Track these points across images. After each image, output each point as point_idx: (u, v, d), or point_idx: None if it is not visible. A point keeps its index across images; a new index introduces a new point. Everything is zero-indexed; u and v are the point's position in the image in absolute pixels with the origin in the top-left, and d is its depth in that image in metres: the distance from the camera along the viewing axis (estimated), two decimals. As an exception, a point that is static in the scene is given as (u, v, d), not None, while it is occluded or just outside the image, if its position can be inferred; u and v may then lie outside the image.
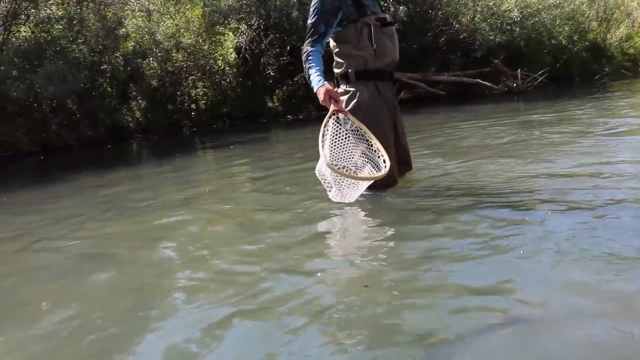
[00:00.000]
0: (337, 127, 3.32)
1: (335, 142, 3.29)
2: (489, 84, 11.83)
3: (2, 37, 10.29)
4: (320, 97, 3.28)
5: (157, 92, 11.26)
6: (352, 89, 3.47)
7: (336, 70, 3.56)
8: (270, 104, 11.41)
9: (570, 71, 14.02)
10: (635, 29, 16.82)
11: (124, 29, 10.72)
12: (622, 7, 17.44)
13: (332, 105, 3.29)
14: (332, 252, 2.78)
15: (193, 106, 11.31)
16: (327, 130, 3.29)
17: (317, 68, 3.31)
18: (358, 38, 3.39)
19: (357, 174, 3.22)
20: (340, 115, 3.34)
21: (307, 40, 3.37)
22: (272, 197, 4.18)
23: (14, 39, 10.24)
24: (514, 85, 11.70)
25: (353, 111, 3.41)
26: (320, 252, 2.74)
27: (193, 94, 11.31)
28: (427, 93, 11.33)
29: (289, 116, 11.33)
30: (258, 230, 3.22)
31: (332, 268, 2.49)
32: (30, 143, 10.01)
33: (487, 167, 4.16)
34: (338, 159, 3.28)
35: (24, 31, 10.43)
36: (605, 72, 14.57)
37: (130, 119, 11.16)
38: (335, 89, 3.51)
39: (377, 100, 3.47)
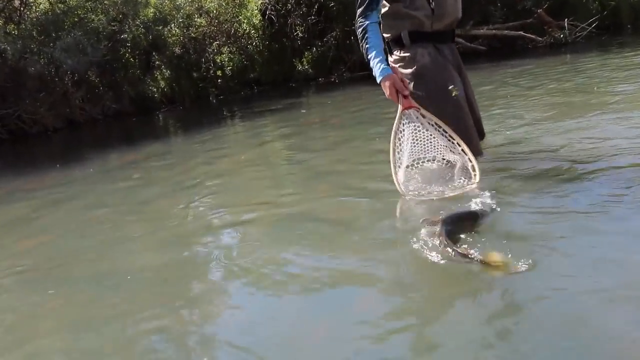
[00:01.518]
0: (414, 127, 2.79)
1: (416, 140, 2.80)
2: (533, 36, 11.15)
3: (19, 11, 10.05)
4: (386, 91, 2.76)
5: (181, 60, 10.95)
6: (407, 54, 2.95)
7: (386, 35, 3.01)
8: (299, 67, 10.99)
9: (620, 19, 13.16)
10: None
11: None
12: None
13: (400, 102, 2.75)
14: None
15: (219, 73, 10.97)
16: (403, 136, 2.79)
17: (378, 50, 2.77)
18: None
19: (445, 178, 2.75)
20: (412, 112, 2.78)
21: (358, 11, 2.82)
22: (312, 179, 3.76)
23: (30, 13, 9.98)
24: (561, 36, 11.00)
25: (414, 80, 2.92)
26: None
27: (218, 60, 10.95)
28: (465, 49, 10.73)
29: (320, 79, 10.89)
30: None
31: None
32: (53, 119, 9.83)
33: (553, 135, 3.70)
34: (425, 151, 2.82)
35: (42, 2, 10.15)
36: (657, 17, 13.66)
37: (155, 90, 10.89)
38: (392, 61, 3.01)
39: (441, 63, 2.95)
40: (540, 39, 11.20)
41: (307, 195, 3.25)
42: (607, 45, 10.32)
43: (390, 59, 3.03)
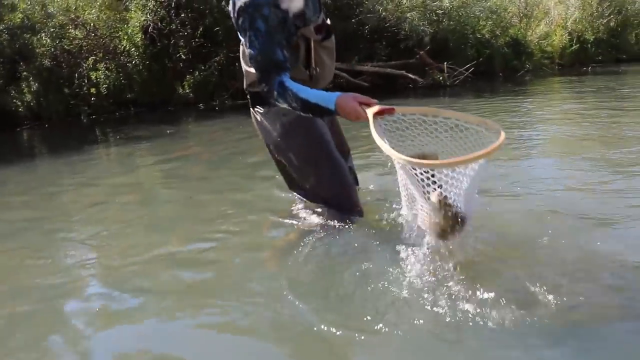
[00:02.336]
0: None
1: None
2: (414, 76, 11.58)
3: None
4: (350, 110, 2.32)
5: (51, 73, 10.17)
6: (273, 110, 2.69)
7: (250, 89, 2.75)
8: (180, 91, 10.58)
9: (492, 66, 14.08)
10: (552, 27, 17.20)
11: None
12: (541, 5, 17.81)
13: (369, 110, 2.30)
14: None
15: (93, 90, 10.30)
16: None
17: (304, 87, 2.42)
18: (291, 57, 2.52)
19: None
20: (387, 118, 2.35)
21: (264, 81, 2.44)
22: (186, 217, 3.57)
23: None
24: (440, 78, 11.52)
25: (283, 136, 2.71)
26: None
27: (93, 77, 10.30)
28: (349, 83, 10.90)
29: (200, 105, 10.56)
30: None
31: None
32: None
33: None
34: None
35: None
36: (526, 68, 14.77)
37: (19, 103, 10.02)
38: (255, 114, 2.81)
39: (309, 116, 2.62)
40: (420, 79, 11.65)
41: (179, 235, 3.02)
42: (481, 90, 10.94)
43: (253, 111, 2.83)
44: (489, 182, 3.41)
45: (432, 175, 2.03)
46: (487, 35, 14.09)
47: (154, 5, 10.41)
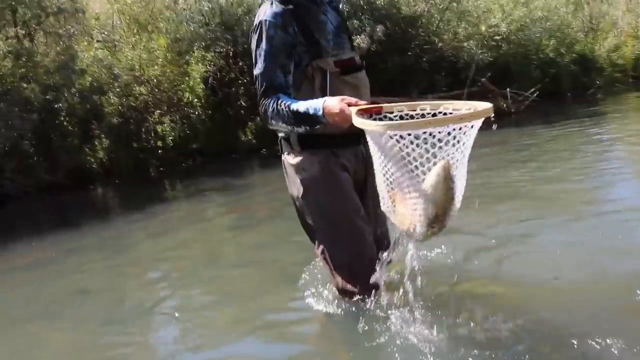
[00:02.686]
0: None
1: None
2: (477, 105, 11.32)
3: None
4: (338, 112, 2.20)
5: (120, 130, 10.59)
6: (295, 161, 2.60)
7: (280, 133, 2.69)
8: (243, 138, 10.77)
9: (560, 86, 13.60)
10: (622, 38, 16.49)
11: (80, 63, 10.08)
12: (607, 17, 17.15)
13: (353, 109, 2.16)
14: None
15: (160, 143, 10.64)
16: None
17: (297, 100, 2.38)
18: (307, 89, 2.48)
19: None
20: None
21: (262, 99, 2.44)
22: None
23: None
24: (504, 105, 11.21)
25: (300, 195, 2.61)
26: None
27: (160, 130, 10.65)
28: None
29: (264, 150, 10.70)
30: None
31: None
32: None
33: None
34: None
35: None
36: (596, 85, 14.18)
37: (92, 160, 10.47)
38: (285, 161, 2.70)
39: (332, 173, 2.57)
40: (484, 108, 11.38)
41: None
42: (549, 114, 10.56)
43: (283, 157, 2.72)
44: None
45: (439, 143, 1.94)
46: (551, 55, 13.66)
47: (212, 57, 10.70)
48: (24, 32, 10.28)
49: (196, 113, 10.94)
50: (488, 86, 11.64)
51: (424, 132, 1.89)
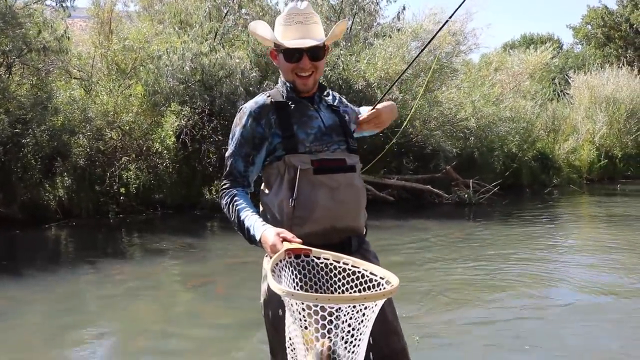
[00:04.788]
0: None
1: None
2: (440, 192, 11.80)
3: None
4: (270, 244, 2.14)
5: (84, 171, 10.61)
6: (265, 264, 2.38)
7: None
8: (207, 195, 10.90)
9: (520, 180, 14.29)
10: (580, 142, 17.48)
11: (55, 101, 10.17)
12: (568, 120, 18.20)
13: (285, 244, 2.12)
14: None
15: (123, 190, 10.69)
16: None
17: (249, 208, 2.30)
18: (276, 181, 2.38)
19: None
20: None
21: (224, 181, 2.41)
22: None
23: None
24: (465, 195, 11.70)
25: (263, 301, 2.41)
26: None
27: (125, 177, 10.72)
28: (375, 196, 11.15)
29: (226, 211, 10.83)
30: None
31: None
32: None
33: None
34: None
35: None
36: (553, 184, 14.93)
37: (51, 197, 10.42)
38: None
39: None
40: (446, 195, 11.85)
41: None
42: (507, 211, 11.07)
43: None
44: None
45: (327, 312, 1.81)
46: (514, 149, 14.39)
47: (188, 112, 10.92)
48: (1, 60, 10.33)
49: (164, 164, 11.06)
50: (452, 174, 12.15)
51: (314, 305, 1.79)
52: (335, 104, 2.64)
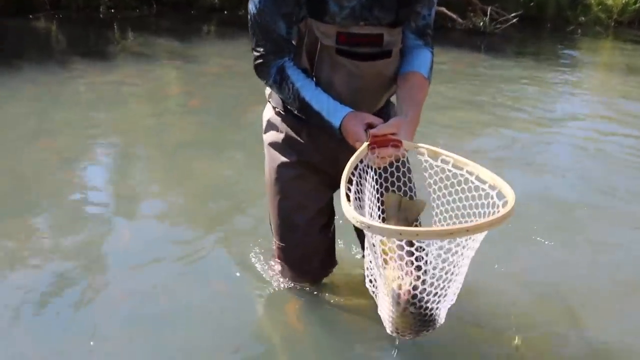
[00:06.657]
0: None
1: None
2: (454, 15, 11.11)
3: None
4: (352, 134, 1.81)
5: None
6: (269, 116, 2.23)
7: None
8: (205, -6, 10.38)
9: (543, 13, 13.47)
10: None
11: None
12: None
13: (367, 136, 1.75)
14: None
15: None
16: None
17: (311, 85, 1.93)
18: (298, 46, 1.98)
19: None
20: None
21: (260, 51, 1.95)
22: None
23: None
24: (480, 23, 11.06)
25: (265, 148, 2.28)
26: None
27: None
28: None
29: (225, 12, 10.36)
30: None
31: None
32: None
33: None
34: None
35: None
36: (578, 21, 14.08)
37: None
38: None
39: (299, 142, 2.17)
40: (460, 20, 11.20)
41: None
42: (523, 44, 10.56)
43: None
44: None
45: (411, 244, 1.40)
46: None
47: None
48: None
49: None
50: (470, -3, 11.41)
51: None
52: None
